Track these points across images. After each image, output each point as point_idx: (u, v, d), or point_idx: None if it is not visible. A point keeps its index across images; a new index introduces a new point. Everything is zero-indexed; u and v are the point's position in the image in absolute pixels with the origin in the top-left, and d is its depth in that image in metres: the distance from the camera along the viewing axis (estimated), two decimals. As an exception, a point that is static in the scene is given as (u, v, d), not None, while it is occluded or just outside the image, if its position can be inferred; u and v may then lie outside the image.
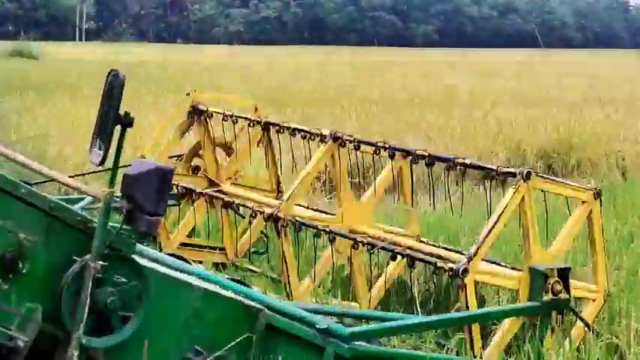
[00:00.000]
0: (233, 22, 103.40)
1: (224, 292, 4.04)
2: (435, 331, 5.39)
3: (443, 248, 6.15)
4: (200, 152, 7.50)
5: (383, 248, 5.61)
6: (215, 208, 7.23)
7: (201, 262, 6.67)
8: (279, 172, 7.37)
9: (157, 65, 33.98)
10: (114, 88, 3.42)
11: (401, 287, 6.38)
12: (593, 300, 5.38)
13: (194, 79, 24.73)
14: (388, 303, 6.14)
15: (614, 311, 5.47)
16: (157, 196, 3.56)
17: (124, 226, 3.57)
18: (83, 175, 7.50)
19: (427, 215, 7.96)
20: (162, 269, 3.91)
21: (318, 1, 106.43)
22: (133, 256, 3.65)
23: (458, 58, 50.65)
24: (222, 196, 6.95)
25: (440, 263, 5.15)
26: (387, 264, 6.17)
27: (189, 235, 7.36)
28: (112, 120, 3.42)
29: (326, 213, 6.86)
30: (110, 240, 3.54)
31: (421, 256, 5.53)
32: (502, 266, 5.67)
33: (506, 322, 5.00)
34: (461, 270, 4.79)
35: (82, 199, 5.52)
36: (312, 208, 6.87)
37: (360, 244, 5.68)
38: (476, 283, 4.93)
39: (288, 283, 6.05)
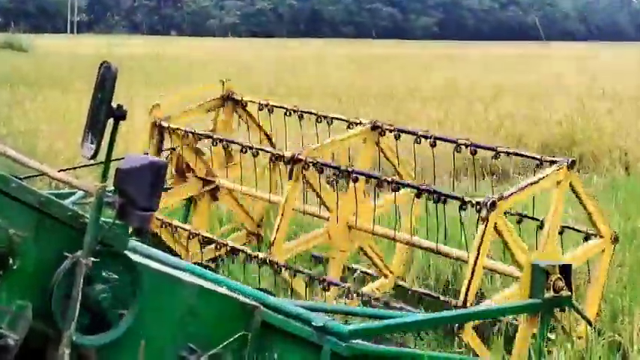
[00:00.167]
0: (228, 14, 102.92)
1: (219, 289, 3.98)
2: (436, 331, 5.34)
3: None
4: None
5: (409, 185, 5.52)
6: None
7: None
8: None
9: (150, 58, 33.86)
10: (106, 80, 3.35)
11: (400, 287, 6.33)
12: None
13: (188, 73, 24.62)
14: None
15: (616, 309, 5.41)
16: (151, 190, 3.49)
17: (116, 222, 3.50)
18: (74, 169, 7.40)
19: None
20: (156, 265, 3.85)
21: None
22: (126, 252, 3.58)
23: (458, 51, 50.55)
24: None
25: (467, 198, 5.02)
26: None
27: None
28: (104, 113, 3.35)
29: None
30: (102, 236, 3.48)
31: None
32: None
33: (521, 329, 4.91)
34: (489, 203, 4.73)
35: (74, 193, 5.44)
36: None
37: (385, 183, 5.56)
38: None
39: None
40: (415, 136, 6.09)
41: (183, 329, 3.81)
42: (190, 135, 6.98)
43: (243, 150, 6.47)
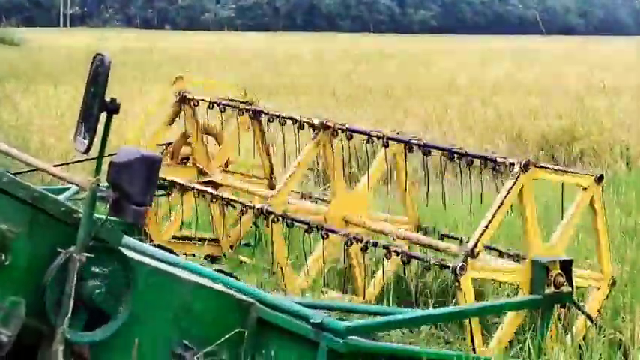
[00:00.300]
0: (224, 7, 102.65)
1: (215, 286, 3.93)
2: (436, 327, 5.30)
3: (442, 236, 6.06)
4: (189, 141, 7.30)
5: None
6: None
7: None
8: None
9: (144, 52, 33.78)
10: (99, 74, 3.31)
11: (398, 281, 6.26)
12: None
13: (182, 67, 24.55)
14: (387, 297, 6.01)
15: (617, 306, 5.36)
16: (144, 185, 3.46)
17: (109, 217, 3.46)
18: (68, 164, 7.34)
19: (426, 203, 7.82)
20: (151, 262, 3.80)
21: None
22: (120, 247, 3.53)
23: (457, 45, 50.50)
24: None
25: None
26: (384, 258, 6.03)
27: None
28: (97, 107, 3.31)
29: (322, 200, 6.74)
30: (96, 231, 3.43)
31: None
32: (500, 252, 5.61)
33: (509, 315, 4.88)
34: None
35: (67, 189, 5.41)
36: (306, 196, 6.73)
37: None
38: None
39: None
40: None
41: (179, 326, 3.77)
42: (216, 105, 6.97)
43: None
